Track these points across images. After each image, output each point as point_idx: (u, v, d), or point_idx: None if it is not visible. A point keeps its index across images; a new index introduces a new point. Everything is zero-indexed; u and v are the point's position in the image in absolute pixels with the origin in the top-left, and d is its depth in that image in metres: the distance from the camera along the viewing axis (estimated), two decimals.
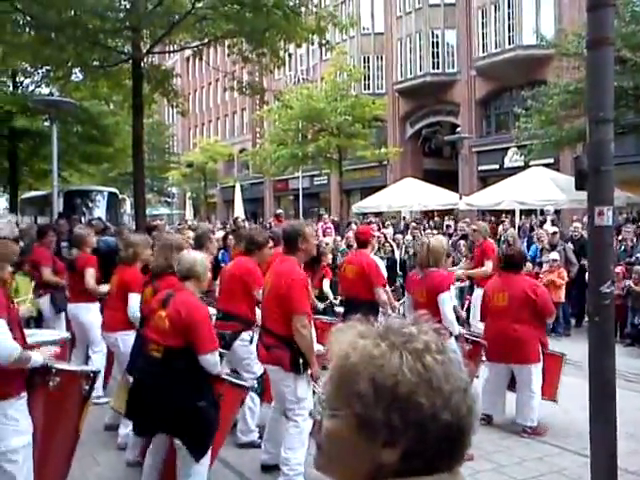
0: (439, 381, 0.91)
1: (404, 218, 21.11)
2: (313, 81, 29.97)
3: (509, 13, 24.71)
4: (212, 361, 3.72)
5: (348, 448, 0.94)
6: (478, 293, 7.98)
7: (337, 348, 0.97)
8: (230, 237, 8.32)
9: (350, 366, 0.94)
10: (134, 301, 5.21)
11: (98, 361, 6.18)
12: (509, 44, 24.58)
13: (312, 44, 14.27)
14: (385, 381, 0.91)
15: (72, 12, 11.49)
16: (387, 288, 6.46)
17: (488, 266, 8.18)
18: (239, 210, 27.21)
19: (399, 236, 13.94)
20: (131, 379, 4.61)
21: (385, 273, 6.75)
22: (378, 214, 22.01)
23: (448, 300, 5.39)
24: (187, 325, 3.65)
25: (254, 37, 12.41)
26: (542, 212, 16.26)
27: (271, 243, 5.71)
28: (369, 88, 30.43)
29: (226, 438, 4.64)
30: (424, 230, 15.33)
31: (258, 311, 5.11)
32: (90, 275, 6.39)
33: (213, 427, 3.68)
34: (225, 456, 4.85)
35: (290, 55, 13.76)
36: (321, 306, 7.66)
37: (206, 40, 13.69)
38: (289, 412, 4.34)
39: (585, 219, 12.62)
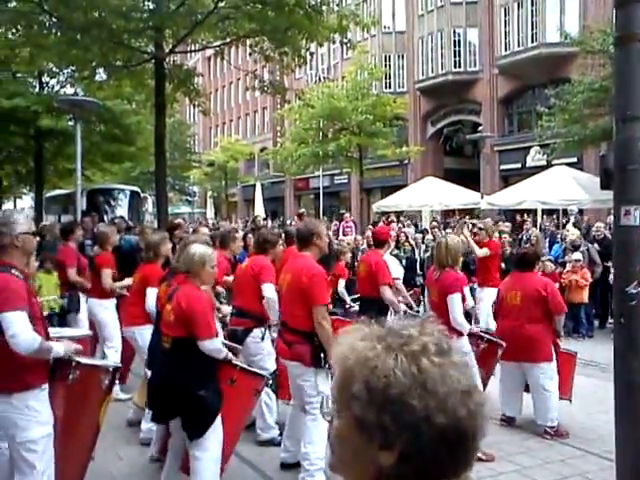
0: (434, 383, 0.90)
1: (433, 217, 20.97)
2: (334, 80, 29.91)
3: (532, 11, 24.46)
4: (211, 347, 3.81)
5: (351, 449, 0.95)
6: (487, 293, 8.06)
7: (339, 351, 0.98)
8: (249, 236, 8.36)
9: (348, 368, 0.95)
10: (151, 295, 5.30)
11: (112, 357, 6.26)
12: (532, 42, 24.33)
13: (333, 43, 14.26)
14: (377, 383, 0.91)
15: (97, 13, 11.64)
16: (401, 286, 6.49)
17: (484, 250, 8.51)
18: (259, 209, 27.30)
19: (419, 235, 13.86)
20: (149, 373, 4.68)
21: (401, 272, 6.75)
22: (398, 213, 21.93)
23: (458, 301, 5.34)
24: (187, 315, 3.76)
25: (276, 36, 12.44)
26: (565, 212, 16.08)
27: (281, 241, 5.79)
28: (390, 87, 30.34)
29: (246, 435, 4.68)
30: (444, 229, 15.23)
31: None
32: (107, 275, 6.52)
33: (212, 414, 3.78)
34: (245, 454, 4.88)
35: (312, 54, 13.76)
36: (339, 311, 7.65)
37: (228, 39, 13.76)
38: (307, 405, 4.37)
39: (609, 219, 12.47)
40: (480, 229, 8.98)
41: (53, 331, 3.75)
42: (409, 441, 0.90)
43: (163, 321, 3.99)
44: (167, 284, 4.73)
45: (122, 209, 20.63)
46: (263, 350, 5.21)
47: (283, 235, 7.08)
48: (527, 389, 5.83)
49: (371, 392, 0.91)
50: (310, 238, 4.50)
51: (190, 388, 3.68)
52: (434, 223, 16.20)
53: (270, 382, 4.82)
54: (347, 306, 8.10)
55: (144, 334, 5.35)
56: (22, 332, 3.05)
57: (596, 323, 10.86)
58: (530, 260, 5.91)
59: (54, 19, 11.99)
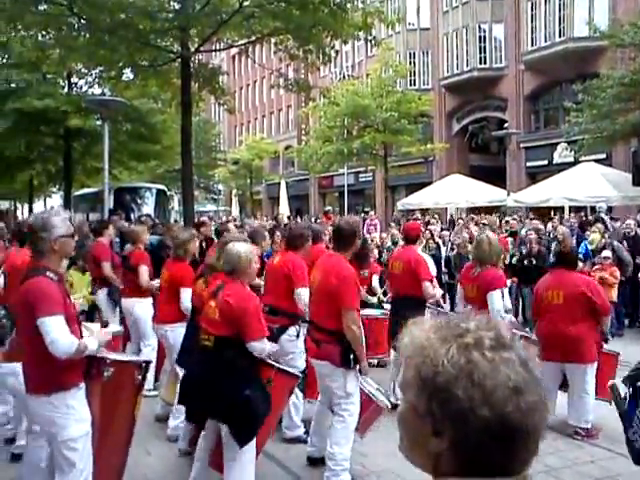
0: (481, 376, 0.92)
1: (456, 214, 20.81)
2: (359, 77, 29.84)
3: (560, 4, 24.08)
4: (260, 348, 3.78)
5: (411, 434, 1.01)
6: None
7: (404, 340, 1.03)
8: (277, 234, 8.40)
9: (406, 356, 1.00)
10: (187, 295, 5.36)
11: (148, 354, 6.32)
12: (560, 37, 23.96)
13: (358, 40, 14.22)
14: (427, 371, 0.95)
15: (124, 14, 11.79)
16: (435, 283, 6.40)
17: None
18: (284, 207, 27.38)
19: (445, 233, 13.77)
20: (180, 370, 4.71)
21: (434, 269, 6.68)
22: (424, 211, 21.81)
23: (499, 298, 5.32)
24: (237, 313, 3.71)
25: (300, 34, 12.45)
26: (593, 209, 15.81)
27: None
28: (415, 84, 30.15)
29: (273, 434, 4.71)
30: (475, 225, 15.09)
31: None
32: (144, 272, 6.57)
33: (261, 415, 3.72)
34: (271, 451, 4.91)
35: (336, 52, 13.73)
36: (373, 299, 7.62)
37: (253, 38, 13.82)
38: (336, 407, 4.36)
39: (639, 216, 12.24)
40: (484, 225, 8.91)
41: (85, 326, 3.80)
42: (456, 430, 0.93)
43: (205, 319, 3.90)
44: (204, 281, 4.75)
45: (148, 207, 20.86)
46: (297, 349, 5.16)
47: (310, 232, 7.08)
48: (561, 388, 5.74)
49: (422, 380, 0.96)
50: (353, 238, 4.44)
51: (237, 388, 3.62)
52: (460, 221, 16.06)
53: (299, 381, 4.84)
54: (380, 298, 8.04)
55: (176, 332, 5.39)
56: (61, 337, 3.08)
57: (626, 322, 10.68)
58: (572, 258, 5.79)
59: (83, 21, 12.18)
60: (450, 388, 0.92)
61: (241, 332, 3.71)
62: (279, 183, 31.11)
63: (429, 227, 13.22)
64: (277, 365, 4.20)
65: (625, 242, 10.76)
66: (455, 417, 0.92)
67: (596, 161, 18.66)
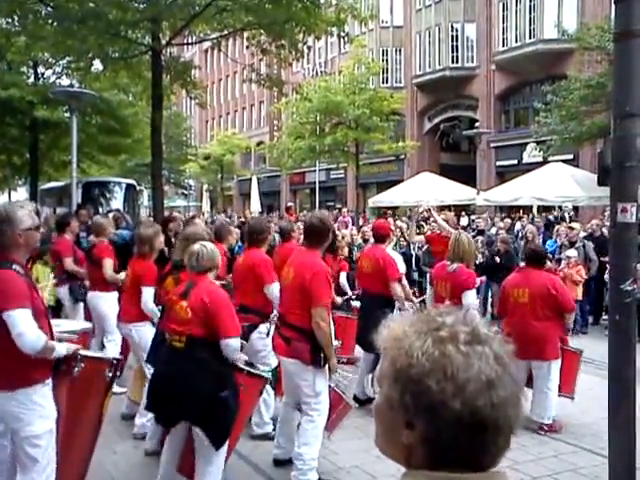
0: (455, 369, 0.93)
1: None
2: (331, 74, 29.84)
3: (530, 6, 24.44)
4: (234, 346, 3.72)
5: (384, 426, 1.02)
6: None
7: (382, 333, 1.04)
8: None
9: (383, 349, 1.01)
10: (148, 294, 5.24)
11: (111, 350, 6.22)
12: (530, 38, 24.31)
13: (331, 36, 14.22)
14: (402, 363, 0.96)
15: (93, 4, 11.56)
16: (404, 282, 6.42)
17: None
18: (255, 203, 27.27)
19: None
20: (149, 369, 4.63)
21: (403, 268, 6.70)
22: (394, 208, 21.93)
23: (474, 297, 5.40)
24: (211, 312, 3.66)
25: (273, 29, 12.39)
26: (560, 208, 16.10)
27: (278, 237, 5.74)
28: (387, 82, 30.29)
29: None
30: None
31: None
32: (108, 265, 6.44)
33: (234, 416, 3.69)
34: (239, 448, 4.87)
35: (309, 48, 13.71)
36: (339, 300, 7.63)
37: (225, 32, 13.69)
38: (305, 406, 4.33)
39: (605, 216, 12.49)
40: (444, 220, 9.06)
41: (54, 323, 3.72)
42: (428, 422, 0.94)
43: (175, 319, 3.78)
44: (175, 279, 4.64)
45: (117, 202, 20.54)
46: (267, 346, 5.11)
47: (279, 230, 7.06)
48: (527, 385, 5.83)
49: (397, 371, 0.97)
50: (326, 234, 4.38)
51: (212, 389, 3.56)
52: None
53: (270, 379, 4.81)
54: (348, 297, 8.05)
55: (141, 331, 5.30)
56: (28, 331, 3.03)
57: (590, 319, 10.90)
58: (539, 256, 5.87)
59: (50, 9, 11.91)
60: (423, 380, 0.93)
61: (216, 330, 3.65)
62: (251, 179, 30.96)
63: (399, 225, 13.29)
64: (247, 368, 4.15)
65: (590, 241, 10.98)
66: (427, 409, 0.93)
67: (564, 161, 18.99)
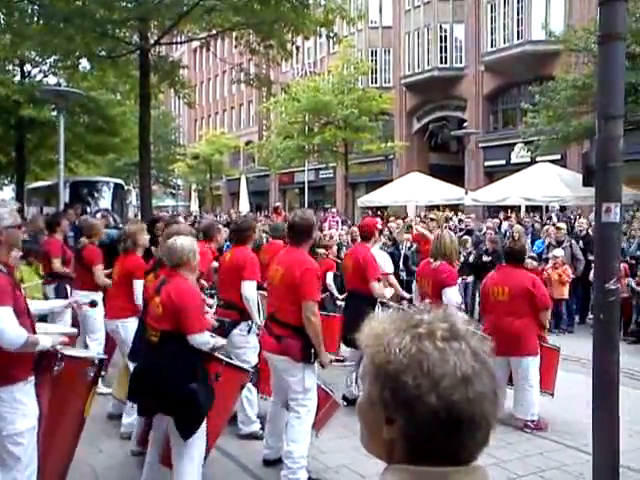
0: (431, 365, 0.94)
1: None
2: (320, 74, 29.84)
3: (518, 8, 24.57)
4: (200, 340, 3.77)
5: (367, 423, 1.03)
6: None
7: (364, 331, 1.05)
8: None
9: (364, 347, 1.03)
10: (139, 287, 5.28)
11: (94, 349, 6.21)
12: (518, 39, 24.45)
13: (320, 36, 14.23)
14: (381, 360, 0.97)
15: (80, 2, 11.50)
16: (393, 280, 6.45)
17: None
18: (244, 203, 27.22)
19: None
20: (131, 365, 4.64)
21: (391, 267, 6.71)
22: (383, 208, 21.97)
23: (456, 294, 5.42)
24: (177, 307, 3.71)
25: (262, 29, 12.39)
26: (547, 208, 16.23)
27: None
28: (376, 82, 30.33)
29: (227, 429, 4.67)
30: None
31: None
32: (99, 271, 6.46)
33: (204, 409, 3.72)
34: (227, 447, 4.87)
35: (297, 47, 13.72)
36: (327, 305, 7.64)
37: (214, 31, 13.69)
38: (292, 402, 4.33)
39: (591, 216, 12.58)
40: (432, 220, 9.09)
41: (40, 327, 3.71)
42: (405, 418, 0.95)
43: (150, 314, 3.90)
44: (155, 275, 4.68)
45: (105, 201, 20.43)
46: (248, 343, 5.16)
47: (268, 229, 7.05)
48: (509, 383, 5.88)
49: (376, 368, 0.99)
50: (309, 232, 4.45)
51: (181, 382, 3.62)
52: (417, 219, 16.25)
53: (251, 376, 4.81)
54: (334, 297, 8.07)
55: (127, 327, 5.34)
56: (8, 328, 3.03)
57: (577, 318, 10.99)
58: (519, 255, 5.92)
59: (36, 7, 11.82)
60: (400, 376, 0.94)
61: (181, 326, 3.71)
62: (239, 179, 30.90)
63: (389, 224, 13.33)
64: (226, 360, 4.18)
65: (580, 241, 11.08)
66: (405, 405, 0.94)
67: (551, 162, 19.13)
